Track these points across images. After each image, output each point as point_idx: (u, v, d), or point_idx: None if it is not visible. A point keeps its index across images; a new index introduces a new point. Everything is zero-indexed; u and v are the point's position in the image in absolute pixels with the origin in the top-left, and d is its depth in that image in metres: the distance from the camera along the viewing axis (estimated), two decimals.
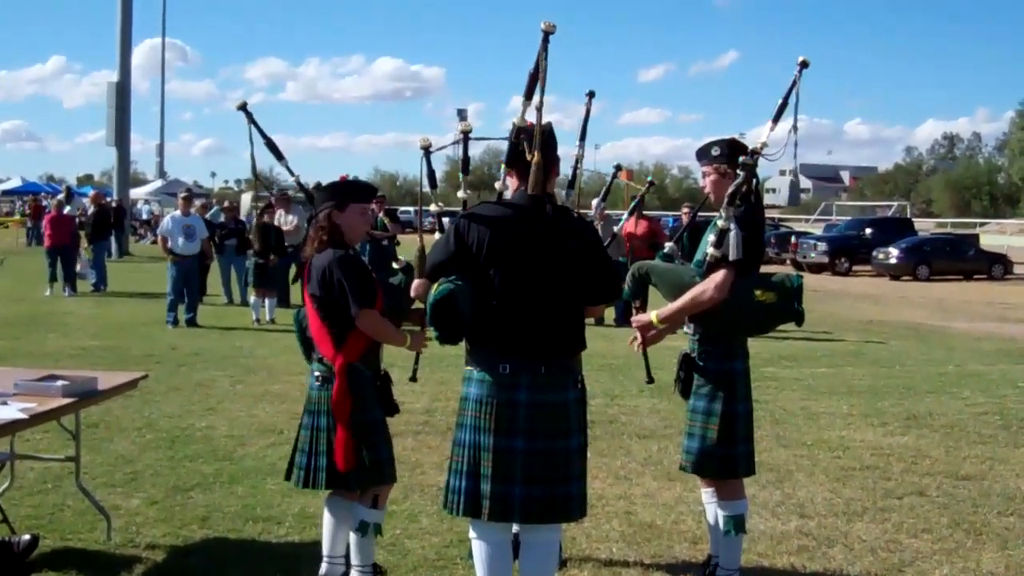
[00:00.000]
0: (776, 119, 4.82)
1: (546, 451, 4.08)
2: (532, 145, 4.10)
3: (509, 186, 4.35)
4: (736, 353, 4.95)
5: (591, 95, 5.42)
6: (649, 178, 7.46)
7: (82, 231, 22.23)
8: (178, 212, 16.45)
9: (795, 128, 4.85)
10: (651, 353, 5.29)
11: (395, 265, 5.16)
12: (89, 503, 5.78)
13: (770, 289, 4.80)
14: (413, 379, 5.22)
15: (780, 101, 4.81)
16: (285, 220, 18.06)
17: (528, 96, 4.21)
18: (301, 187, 5.51)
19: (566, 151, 4.48)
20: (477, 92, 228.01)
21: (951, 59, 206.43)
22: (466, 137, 4.70)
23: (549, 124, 4.19)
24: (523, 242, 4.12)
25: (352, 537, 4.82)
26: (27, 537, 5.23)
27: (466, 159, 4.75)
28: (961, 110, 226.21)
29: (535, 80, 4.15)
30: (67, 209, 23.57)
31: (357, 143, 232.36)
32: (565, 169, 4.92)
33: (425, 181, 4.70)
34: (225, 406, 9.35)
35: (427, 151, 4.66)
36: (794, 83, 4.79)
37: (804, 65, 4.79)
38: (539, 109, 4.11)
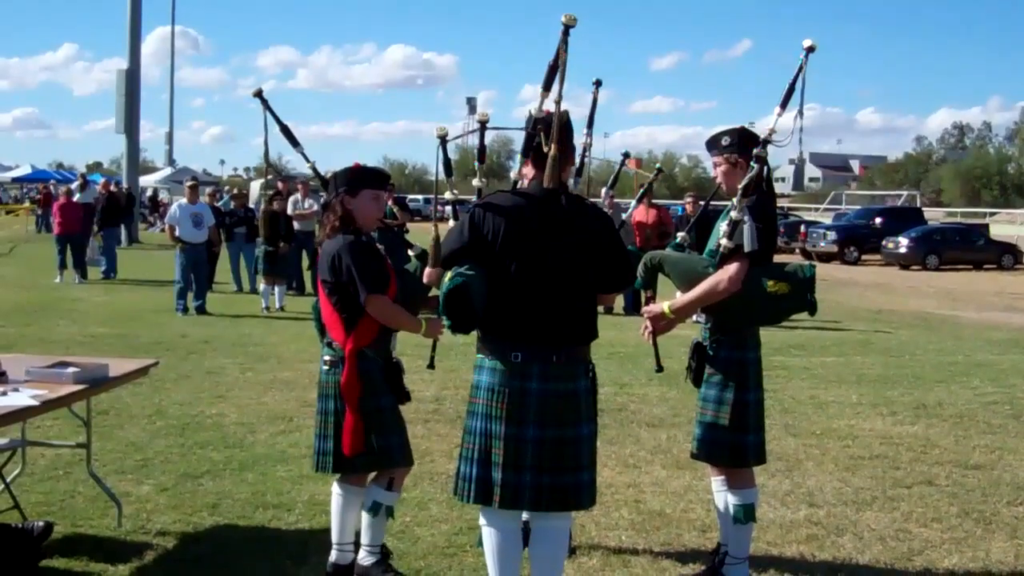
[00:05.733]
0: (783, 105, 4.80)
1: (557, 440, 4.09)
2: (549, 136, 4.08)
3: (525, 175, 4.34)
4: (748, 342, 4.94)
5: (598, 83, 5.41)
6: (657, 166, 7.44)
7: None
8: (185, 200, 16.47)
9: (801, 114, 4.82)
10: (661, 341, 5.28)
11: (409, 252, 5.15)
12: (100, 490, 5.81)
13: (783, 280, 4.79)
14: (431, 366, 5.20)
15: (787, 87, 4.80)
16: (304, 204, 18.13)
17: (547, 87, 4.19)
18: (316, 173, 5.51)
19: (575, 140, 4.47)
20: (489, 80, 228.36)
21: (965, 48, 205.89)
22: (483, 127, 4.68)
23: (566, 113, 4.18)
24: (538, 231, 4.11)
25: (364, 517, 4.84)
26: (41, 524, 5.25)
27: (482, 148, 4.74)
28: (974, 99, 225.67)
29: (554, 72, 4.13)
30: (77, 197, 23.61)
31: (367, 131, 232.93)
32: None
33: (441, 170, 4.68)
34: (235, 393, 9.38)
35: (443, 140, 4.65)
36: (800, 68, 4.77)
37: (810, 50, 4.76)
38: (558, 102, 4.09)
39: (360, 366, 4.71)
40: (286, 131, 5.36)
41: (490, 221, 4.11)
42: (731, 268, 4.74)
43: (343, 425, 4.69)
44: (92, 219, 21.92)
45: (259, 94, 5.29)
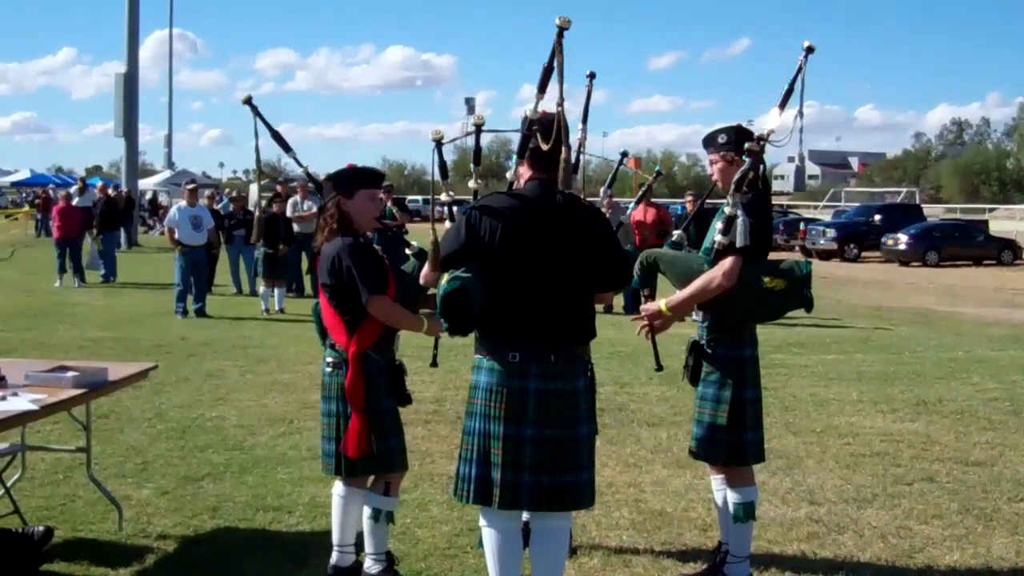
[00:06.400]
0: (782, 105, 4.80)
1: (556, 440, 4.08)
2: (545, 137, 4.08)
3: (521, 176, 4.34)
4: (745, 340, 4.94)
5: (591, 76, 5.40)
6: (657, 167, 7.43)
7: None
8: (184, 203, 16.47)
9: (801, 114, 4.83)
10: (659, 340, 5.28)
11: (407, 251, 5.15)
12: (100, 494, 5.81)
13: (779, 276, 4.80)
14: (434, 364, 5.21)
15: (786, 87, 4.80)
16: (303, 206, 18.15)
17: (541, 90, 4.19)
18: (310, 177, 5.51)
19: (570, 138, 4.45)
20: (488, 80, 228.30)
21: (964, 44, 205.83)
22: (479, 129, 4.68)
23: (562, 113, 4.17)
24: (535, 231, 4.11)
25: (365, 525, 4.84)
26: (41, 529, 5.25)
27: (478, 150, 4.74)
28: (973, 95, 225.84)
29: (548, 74, 4.12)
30: (76, 201, 23.61)
31: (366, 132, 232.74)
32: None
33: (437, 172, 4.68)
34: (235, 396, 9.37)
35: (439, 143, 4.65)
36: (800, 69, 4.78)
37: (810, 51, 4.77)
38: (559, 105, 4.08)
39: (364, 368, 4.71)
40: (277, 137, 5.35)
41: (486, 223, 4.11)
42: (725, 264, 4.74)
43: (348, 427, 4.69)
44: (90, 223, 21.91)
45: (248, 101, 5.28)
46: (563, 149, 4.04)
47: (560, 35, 4.03)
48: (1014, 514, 6.20)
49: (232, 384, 9.98)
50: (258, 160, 5.68)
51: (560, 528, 4.27)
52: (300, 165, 5.44)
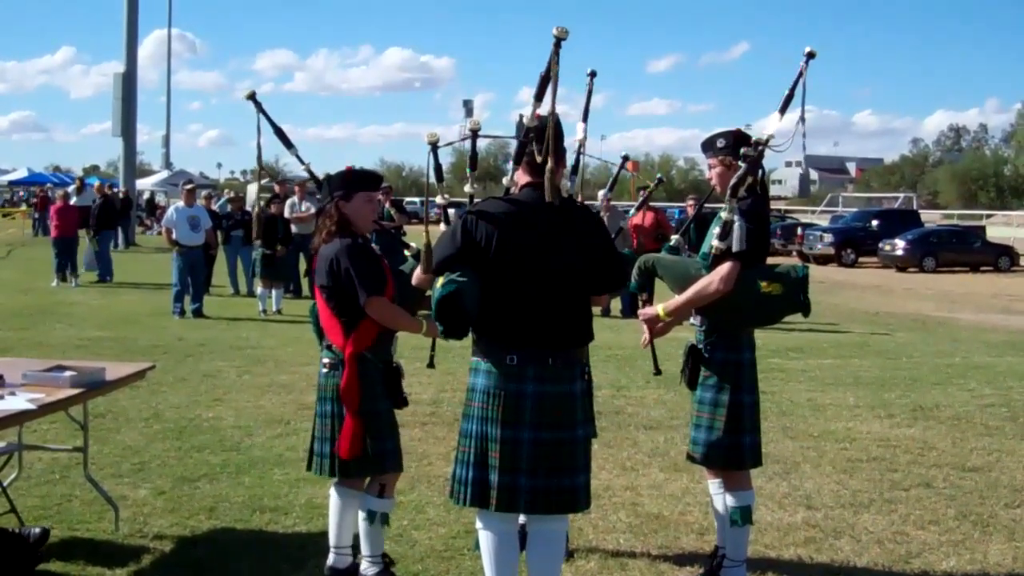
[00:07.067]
0: (783, 111, 4.81)
1: (552, 442, 4.09)
2: (542, 145, 4.08)
3: (517, 181, 4.34)
4: (742, 344, 4.95)
5: (592, 74, 5.39)
6: (659, 175, 7.40)
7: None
8: (182, 203, 16.47)
9: (803, 120, 4.84)
10: (657, 344, 5.29)
11: (406, 252, 5.15)
12: (97, 493, 5.80)
13: (776, 280, 4.80)
14: (431, 365, 5.20)
15: (786, 92, 4.81)
16: (301, 207, 18.15)
17: (539, 98, 4.19)
18: (312, 176, 5.51)
19: (568, 140, 4.46)
20: (487, 82, 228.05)
21: (962, 50, 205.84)
22: (475, 134, 4.69)
23: (556, 116, 4.17)
24: (530, 236, 4.12)
25: (361, 527, 4.84)
26: (38, 530, 5.24)
27: (474, 155, 4.74)
28: (971, 101, 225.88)
29: (546, 83, 4.12)
30: (74, 200, 23.60)
31: (364, 133, 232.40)
32: (569, 156, 4.90)
33: (432, 175, 4.69)
34: (232, 396, 9.37)
35: (434, 146, 4.66)
36: (800, 74, 4.78)
37: (811, 56, 4.78)
38: (552, 114, 4.08)
39: (359, 369, 4.71)
40: (280, 133, 5.36)
41: (482, 227, 4.12)
42: (723, 269, 4.75)
43: (342, 428, 4.69)
44: (87, 222, 21.90)
45: (252, 96, 5.30)
46: (549, 160, 4.04)
47: (557, 45, 4.03)
48: (1011, 520, 6.20)
49: (229, 385, 9.98)
50: (259, 157, 5.68)
51: (557, 531, 4.27)
52: (302, 163, 5.44)
